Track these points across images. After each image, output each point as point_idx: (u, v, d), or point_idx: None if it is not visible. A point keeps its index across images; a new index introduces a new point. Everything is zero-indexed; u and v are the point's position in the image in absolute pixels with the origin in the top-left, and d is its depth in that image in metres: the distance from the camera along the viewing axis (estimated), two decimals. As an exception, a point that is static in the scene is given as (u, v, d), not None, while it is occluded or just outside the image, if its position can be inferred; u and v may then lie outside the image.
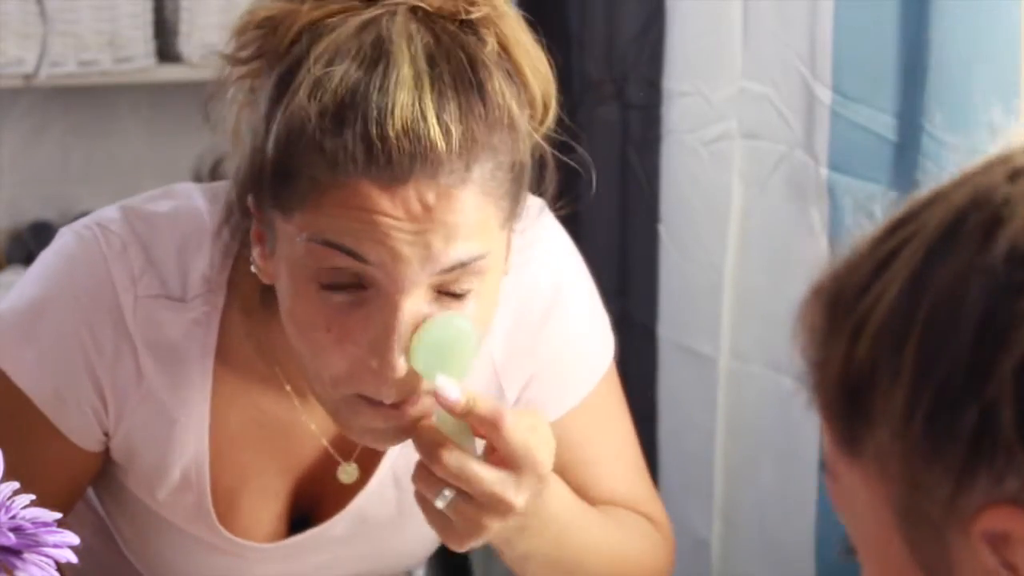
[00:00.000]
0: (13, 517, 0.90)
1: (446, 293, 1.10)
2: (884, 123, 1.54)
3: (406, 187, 1.05)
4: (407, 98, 1.05)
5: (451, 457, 1.09)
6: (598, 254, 1.48)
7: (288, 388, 1.25)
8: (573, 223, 1.37)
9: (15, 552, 0.90)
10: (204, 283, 1.22)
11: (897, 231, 0.73)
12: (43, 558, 0.90)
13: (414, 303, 1.08)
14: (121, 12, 2.51)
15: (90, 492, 1.35)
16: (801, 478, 1.70)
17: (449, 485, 1.10)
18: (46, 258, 1.26)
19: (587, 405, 1.32)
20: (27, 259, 2.45)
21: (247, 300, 1.22)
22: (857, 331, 0.72)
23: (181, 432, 1.24)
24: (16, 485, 0.91)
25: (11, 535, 0.90)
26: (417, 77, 1.06)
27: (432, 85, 1.06)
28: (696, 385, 1.85)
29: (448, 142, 1.05)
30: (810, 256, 1.67)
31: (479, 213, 1.08)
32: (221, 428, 1.25)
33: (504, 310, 1.22)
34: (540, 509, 1.16)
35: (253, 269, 1.16)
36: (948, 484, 0.68)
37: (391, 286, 1.07)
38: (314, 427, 1.27)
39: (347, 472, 1.28)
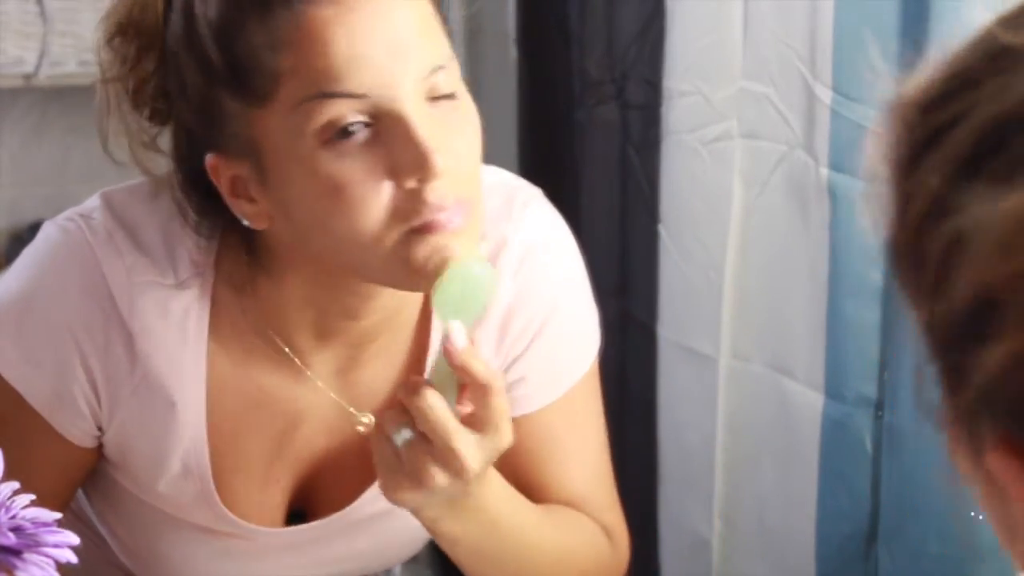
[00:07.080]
0: (13, 517, 0.90)
1: (439, 98, 1.12)
2: (884, 123, 1.54)
3: None
4: None
5: (431, 397, 1.10)
6: (598, 254, 1.49)
7: (288, 351, 1.25)
8: (573, 223, 1.37)
9: (15, 552, 0.90)
10: (192, 265, 1.22)
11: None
12: (43, 558, 0.90)
13: (419, 107, 1.10)
14: (121, 12, 2.51)
15: (75, 498, 1.34)
16: (801, 478, 1.70)
17: (414, 426, 1.10)
18: (30, 252, 1.25)
19: (563, 404, 1.32)
20: (27, 259, 2.45)
21: (235, 276, 1.23)
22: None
23: (179, 418, 1.24)
24: (16, 485, 0.91)
25: (11, 535, 0.90)
26: None
27: None
28: (696, 385, 1.85)
29: None
30: (810, 256, 1.66)
31: (424, 10, 1.13)
32: (218, 411, 1.25)
33: (493, 316, 1.26)
34: (476, 491, 1.16)
35: (245, 223, 1.17)
36: None
37: (392, 102, 1.10)
38: (321, 384, 1.27)
39: (363, 423, 1.29)
